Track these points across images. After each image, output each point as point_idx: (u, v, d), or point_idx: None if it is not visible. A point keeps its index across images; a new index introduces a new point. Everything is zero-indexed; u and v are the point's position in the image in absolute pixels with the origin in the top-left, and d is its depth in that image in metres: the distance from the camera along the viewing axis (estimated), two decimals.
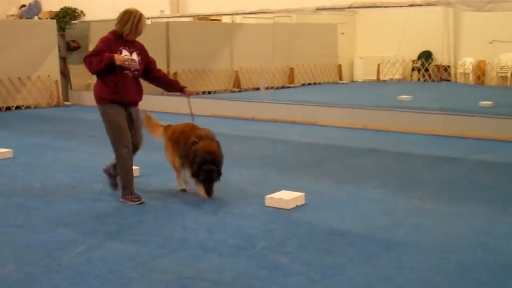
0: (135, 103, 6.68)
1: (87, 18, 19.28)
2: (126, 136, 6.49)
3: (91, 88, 17.87)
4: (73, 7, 21.88)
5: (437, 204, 6.54)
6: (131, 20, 6.49)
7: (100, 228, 5.72)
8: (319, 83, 23.21)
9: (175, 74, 19.42)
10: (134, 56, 6.55)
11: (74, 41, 18.63)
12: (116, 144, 6.51)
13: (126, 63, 6.36)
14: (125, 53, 6.48)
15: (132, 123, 6.61)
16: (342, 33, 25.13)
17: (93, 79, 17.90)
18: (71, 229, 5.70)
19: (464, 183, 7.60)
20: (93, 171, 8.19)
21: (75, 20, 18.96)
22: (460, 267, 4.75)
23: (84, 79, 18.51)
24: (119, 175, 6.65)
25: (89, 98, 17.43)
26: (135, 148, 6.74)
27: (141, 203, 6.45)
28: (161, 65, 19.14)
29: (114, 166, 6.79)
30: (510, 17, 19.39)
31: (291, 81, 22.54)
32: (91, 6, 22.05)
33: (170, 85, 7.31)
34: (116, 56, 6.34)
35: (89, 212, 6.29)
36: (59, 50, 17.70)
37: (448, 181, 7.74)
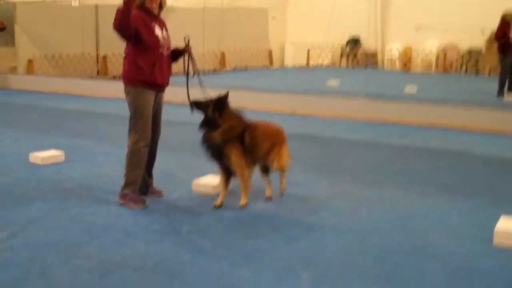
0: (166, 87, 6.11)
1: None
2: (149, 131, 5.87)
3: (17, 71, 17.67)
4: None
5: (359, 188, 6.73)
6: None
7: (22, 214, 5.62)
8: (251, 68, 23.30)
9: (104, 57, 19.12)
10: (164, 33, 6.00)
11: None
12: (137, 133, 5.83)
13: None
14: (157, 29, 5.91)
15: (156, 112, 6.03)
16: (273, 17, 25.23)
17: (18, 62, 17.47)
18: None
19: (384, 168, 7.83)
20: (16, 156, 8.04)
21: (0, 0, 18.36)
22: (379, 248, 4.93)
23: (9, 61, 18.00)
24: (127, 168, 5.89)
25: (15, 81, 17.14)
26: (155, 141, 6.14)
27: (145, 207, 5.86)
28: (90, 48, 18.96)
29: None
30: (435, 2, 20.00)
31: (223, 65, 22.54)
32: None
33: (174, 54, 6.22)
34: (162, 81, 5.91)
35: (11, 198, 6.16)
36: None
37: (370, 165, 7.97)
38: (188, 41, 6.18)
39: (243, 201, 5.90)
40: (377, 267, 4.53)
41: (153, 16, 6.01)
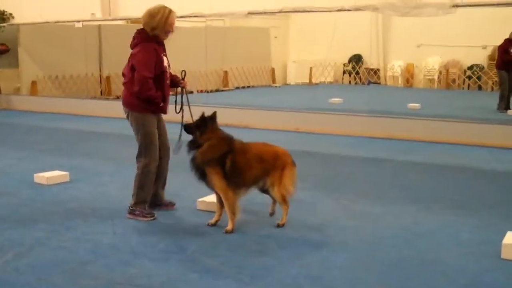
0: None
1: (16, 21, 18.80)
2: (157, 152, 6.08)
3: (20, 92, 17.74)
4: (2, 9, 21.27)
5: (364, 205, 6.71)
6: (160, 14, 5.90)
7: (27, 235, 5.61)
8: (253, 87, 23.36)
9: (107, 78, 19.21)
10: (167, 61, 6.16)
11: (2, 44, 18.20)
12: (148, 157, 6.02)
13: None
14: (165, 60, 6.07)
15: (161, 130, 6.22)
16: (275, 37, 25.36)
17: (22, 83, 17.51)
18: None
19: (390, 184, 7.82)
20: (20, 176, 8.04)
21: (3, 23, 18.44)
22: (386, 265, 4.90)
23: (12, 83, 18.10)
24: (137, 188, 6.06)
25: (18, 102, 17.21)
26: (167, 155, 6.33)
27: (154, 219, 6.02)
28: (93, 69, 19.04)
29: (154, 193, 6.31)
30: (435, 21, 20.04)
31: (225, 85, 22.61)
32: (20, 9, 21.52)
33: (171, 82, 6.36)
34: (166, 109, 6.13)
35: (16, 219, 6.15)
36: None
37: (375, 181, 7.95)
38: (185, 75, 6.34)
39: (228, 226, 5.69)
40: (384, 284, 4.50)
41: (163, 46, 6.14)
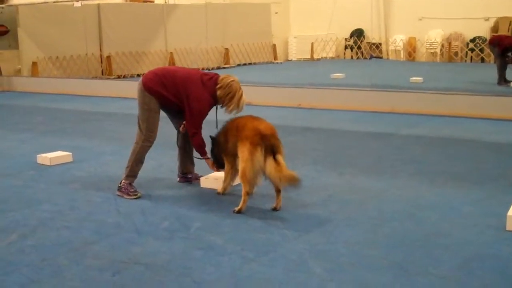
0: None
1: (15, 1, 18.71)
2: (155, 132, 6.21)
3: (21, 73, 17.69)
4: None
5: (367, 179, 6.70)
6: (236, 97, 6.12)
7: (31, 215, 5.62)
8: (255, 63, 23.27)
9: (108, 57, 19.12)
10: None
11: (2, 25, 18.10)
12: (145, 135, 6.15)
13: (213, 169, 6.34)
14: None
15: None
16: (276, 13, 25.21)
17: (23, 64, 17.47)
18: (1, 218, 5.58)
19: (393, 158, 7.80)
20: (22, 158, 8.05)
21: (2, 4, 18.35)
22: (390, 239, 4.89)
23: (13, 64, 18.05)
24: (133, 161, 6.19)
25: (19, 83, 17.18)
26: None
27: (138, 198, 6.08)
28: (93, 48, 18.97)
29: (181, 164, 6.62)
30: None
31: (227, 62, 22.52)
32: None
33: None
34: (210, 164, 6.30)
35: (20, 199, 6.17)
36: None
37: (378, 156, 7.93)
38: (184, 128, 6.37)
39: (239, 205, 5.65)
40: (388, 258, 4.49)
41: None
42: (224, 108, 6.17)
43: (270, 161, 5.36)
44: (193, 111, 6.03)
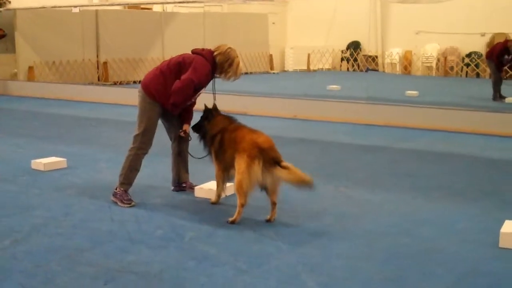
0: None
1: (13, 5, 18.69)
2: (151, 141, 6.18)
3: (17, 77, 17.67)
4: None
5: (363, 193, 6.70)
6: (235, 64, 6.08)
7: (25, 221, 5.59)
8: (251, 73, 23.31)
9: (105, 63, 19.13)
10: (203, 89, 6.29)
11: None
12: (140, 142, 6.12)
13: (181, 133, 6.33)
14: (202, 90, 6.24)
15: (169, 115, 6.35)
16: (273, 23, 25.29)
17: (19, 68, 17.43)
18: None
19: (388, 171, 7.81)
20: (17, 163, 8.02)
21: (0, 7, 18.34)
22: (384, 253, 4.89)
23: (10, 68, 18.04)
24: (127, 169, 6.16)
25: (15, 88, 17.15)
26: (186, 140, 6.46)
27: (132, 206, 6.04)
28: (90, 54, 18.96)
29: (176, 173, 6.59)
30: (434, 9, 20.04)
31: None
32: None
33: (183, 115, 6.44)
34: (186, 126, 6.33)
35: (13, 205, 6.14)
36: None
37: (373, 169, 7.94)
38: (186, 132, 6.38)
39: (234, 216, 5.63)
40: (383, 273, 4.49)
41: (215, 76, 6.23)
42: (222, 77, 6.15)
43: (278, 170, 5.37)
44: (190, 75, 5.94)
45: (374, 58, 24.54)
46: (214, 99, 6.22)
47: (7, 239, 5.12)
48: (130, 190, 6.22)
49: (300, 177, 5.36)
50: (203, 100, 6.22)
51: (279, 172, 5.37)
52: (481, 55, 21.73)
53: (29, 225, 5.48)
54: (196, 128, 6.23)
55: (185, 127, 6.34)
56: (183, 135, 6.34)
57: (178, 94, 5.95)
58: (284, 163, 5.42)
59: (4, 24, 18.10)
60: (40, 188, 6.81)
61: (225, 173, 5.98)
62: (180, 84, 5.94)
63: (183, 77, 5.96)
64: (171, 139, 6.52)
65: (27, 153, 8.51)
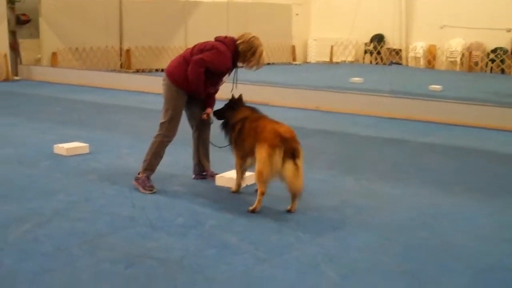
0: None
1: None
2: (176, 129, 6.20)
3: (41, 63, 17.81)
4: None
5: (383, 185, 6.67)
6: (258, 53, 6.13)
7: (46, 205, 5.65)
8: (273, 64, 23.26)
9: (127, 50, 19.21)
10: (227, 77, 6.35)
11: (24, 14, 18.20)
12: (166, 129, 6.15)
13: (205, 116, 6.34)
14: (226, 77, 6.30)
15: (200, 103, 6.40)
16: (297, 14, 25.19)
17: (43, 54, 17.56)
18: (17, 206, 5.62)
19: (409, 165, 7.76)
20: (39, 147, 8.09)
21: None
22: (404, 246, 4.87)
23: (34, 53, 18.16)
24: (152, 155, 6.20)
25: (39, 73, 17.28)
26: (207, 128, 6.52)
27: (153, 193, 6.07)
28: (113, 41, 19.05)
29: (197, 161, 6.63)
30: (459, 3, 19.85)
31: None
32: None
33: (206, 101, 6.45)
34: (209, 109, 6.35)
35: (35, 189, 6.20)
36: (8, 23, 17.27)
37: (394, 162, 7.90)
38: (208, 115, 6.38)
39: (254, 205, 5.66)
40: (402, 265, 4.48)
41: (237, 65, 6.25)
42: (244, 66, 6.18)
43: (290, 165, 5.38)
44: (202, 56, 5.98)
45: (397, 52, 24.35)
46: (233, 88, 6.22)
47: (29, 222, 5.18)
48: (152, 177, 6.25)
49: (298, 183, 5.45)
50: (228, 90, 6.22)
51: (288, 168, 5.39)
52: (507, 51, 21.47)
53: (51, 209, 5.53)
54: (218, 114, 6.27)
55: (208, 110, 6.36)
56: (205, 117, 6.35)
57: (190, 73, 5.98)
58: (298, 161, 5.43)
59: (29, 10, 18.22)
60: (62, 172, 6.87)
61: (242, 161, 6.01)
62: (191, 63, 5.99)
63: (195, 57, 6.00)
64: (192, 128, 6.55)
65: (50, 138, 8.59)
